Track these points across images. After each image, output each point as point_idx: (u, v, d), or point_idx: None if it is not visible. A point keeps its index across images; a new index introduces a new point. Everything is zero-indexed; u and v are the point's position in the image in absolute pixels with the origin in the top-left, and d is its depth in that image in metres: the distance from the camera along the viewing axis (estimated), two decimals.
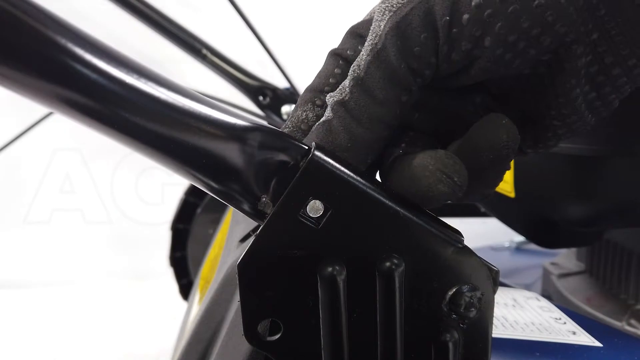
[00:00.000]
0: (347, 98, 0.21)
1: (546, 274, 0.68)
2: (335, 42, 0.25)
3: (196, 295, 0.57)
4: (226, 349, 0.30)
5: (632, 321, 0.52)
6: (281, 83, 0.82)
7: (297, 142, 0.21)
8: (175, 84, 0.19)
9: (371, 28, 0.22)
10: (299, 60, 0.89)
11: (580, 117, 0.23)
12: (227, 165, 0.20)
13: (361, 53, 0.22)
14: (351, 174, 0.20)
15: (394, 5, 0.21)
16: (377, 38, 0.21)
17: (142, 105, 0.18)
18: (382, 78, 0.21)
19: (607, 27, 0.21)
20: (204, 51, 0.79)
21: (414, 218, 0.20)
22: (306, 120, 0.24)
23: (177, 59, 0.86)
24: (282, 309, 0.21)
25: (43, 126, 0.82)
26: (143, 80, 0.18)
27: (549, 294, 0.66)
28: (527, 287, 0.72)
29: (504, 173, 0.23)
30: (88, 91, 0.17)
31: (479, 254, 0.21)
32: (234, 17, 0.77)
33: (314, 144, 0.21)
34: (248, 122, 0.20)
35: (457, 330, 0.21)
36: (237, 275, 0.20)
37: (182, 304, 0.84)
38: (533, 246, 0.92)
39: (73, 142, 1.21)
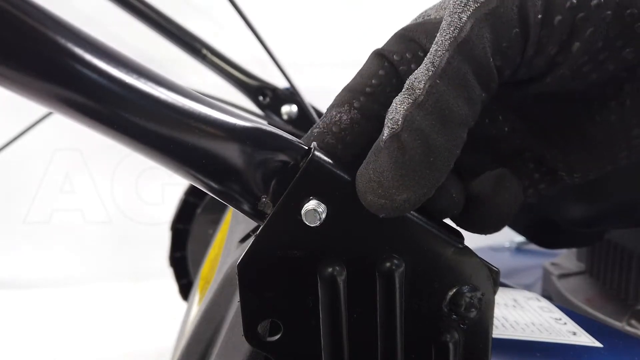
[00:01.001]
0: (422, 99, 0.18)
1: (546, 274, 0.68)
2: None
3: (196, 295, 0.57)
4: (226, 349, 0.30)
5: (633, 321, 0.52)
6: (281, 83, 0.82)
7: (297, 142, 0.21)
8: (175, 84, 0.19)
9: (446, 21, 0.19)
10: (299, 61, 0.89)
11: None
12: (227, 166, 0.20)
13: (432, 50, 0.19)
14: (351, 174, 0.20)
15: None
16: (457, 30, 0.18)
17: (142, 105, 0.18)
18: (468, 72, 0.18)
19: None
20: (204, 51, 0.79)
21: (414, 218, 0.20)
22: (339, 123, 0.22)
23: (177, 59, 0.86)
24: (282, 310, 0.21)
25: (43, 126, 0.82)
26: (143, 80, 0.18)
27: (549, 294, 0.66)
28: (528, 287, 0.72)
29: (505, 223, 0.23)
30: (88, 91, 0.17)
31: (479, 254, 0.21)
32: (234, 17, 0.77)
33: (314, 143, 0.21)
34: (248, 122, 0.20)
35: (457, 330, 0.21)
36: (237, 276, 0.20)
37: (182, 304, 0.84)
38: (533, 246, 0.91)
39: (73, 142, 1.20)
